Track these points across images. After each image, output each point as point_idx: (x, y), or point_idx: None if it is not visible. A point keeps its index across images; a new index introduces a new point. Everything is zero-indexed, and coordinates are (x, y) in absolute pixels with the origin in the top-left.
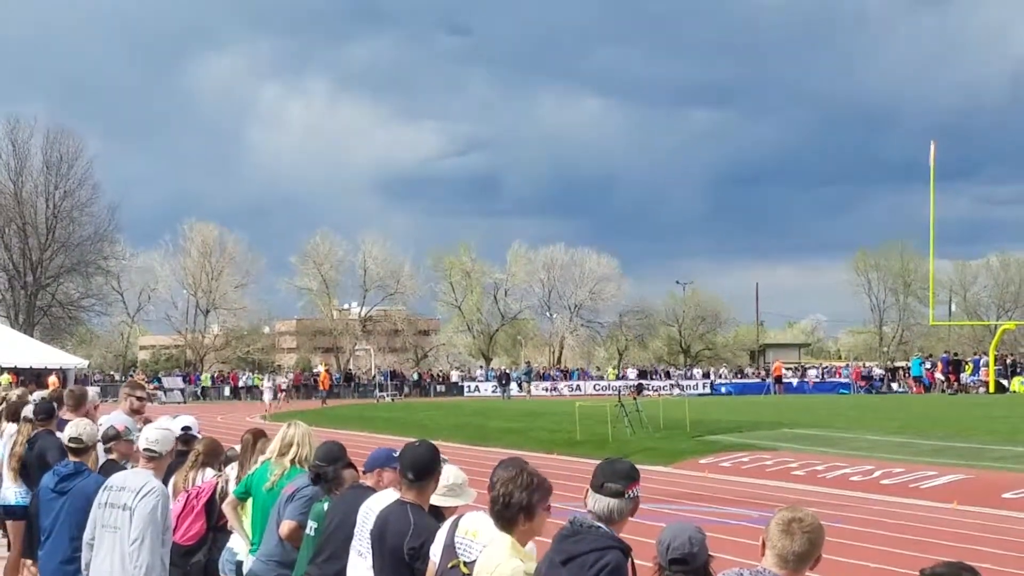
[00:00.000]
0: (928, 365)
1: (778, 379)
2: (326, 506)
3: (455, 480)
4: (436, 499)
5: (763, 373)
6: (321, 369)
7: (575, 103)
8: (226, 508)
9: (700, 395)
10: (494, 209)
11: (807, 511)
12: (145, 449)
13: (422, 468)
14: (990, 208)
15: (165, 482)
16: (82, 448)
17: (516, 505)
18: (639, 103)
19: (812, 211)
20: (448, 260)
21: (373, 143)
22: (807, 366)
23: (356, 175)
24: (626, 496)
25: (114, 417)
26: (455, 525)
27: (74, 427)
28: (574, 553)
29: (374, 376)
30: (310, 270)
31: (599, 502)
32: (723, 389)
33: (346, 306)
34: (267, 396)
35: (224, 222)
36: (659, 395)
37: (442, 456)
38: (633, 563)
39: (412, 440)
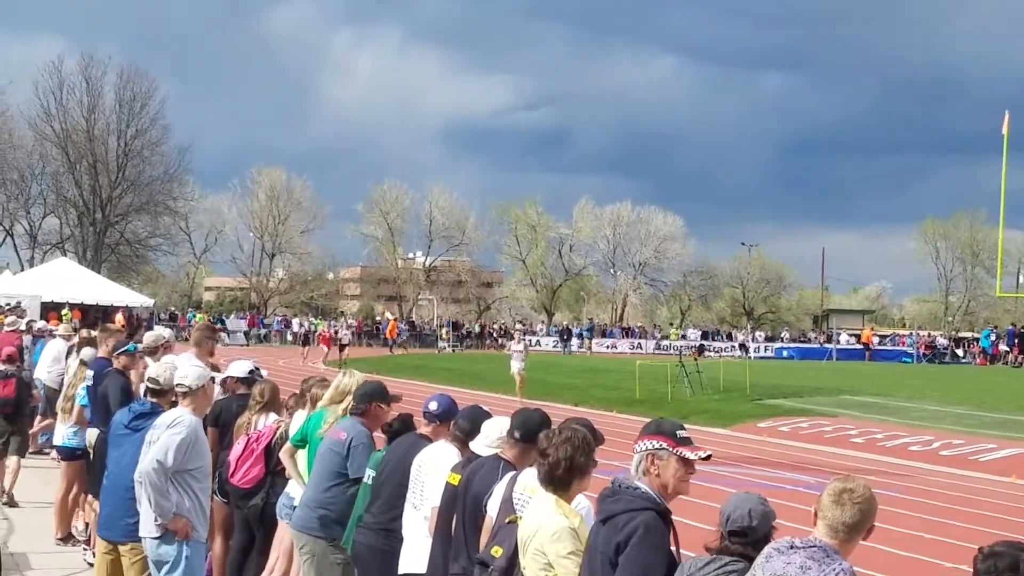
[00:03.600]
0: (994, 337)
1: (867, 346)
2: (382, 454)
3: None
4: (482, 448)
5: (825, 337)
6: (390, 317)
7: (647, 61)
8: (283, 455)
9: (761, 358)
10: (560, 165)
11: (859, 481)
12: (177, 385)
13: (528, 430)
14: None
15: (229, 425)
16: (159, 390)
17: (575, 469)
18: (710, 64)
19: (878, 180)
20: (514, 213)
21: (443, 94)
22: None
23: (424, 126)
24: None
25: (184, 359)
26: (513, 480)
27: (155, 368)
28: (611, 512)
29: (436, 326)
30: (376, 218)
31: (636, 461)
32: (785, 353)
33: (411, 255)
34: (345, 339)
35: (292, 168)
36: (720, 357)
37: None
38: (672, 525)
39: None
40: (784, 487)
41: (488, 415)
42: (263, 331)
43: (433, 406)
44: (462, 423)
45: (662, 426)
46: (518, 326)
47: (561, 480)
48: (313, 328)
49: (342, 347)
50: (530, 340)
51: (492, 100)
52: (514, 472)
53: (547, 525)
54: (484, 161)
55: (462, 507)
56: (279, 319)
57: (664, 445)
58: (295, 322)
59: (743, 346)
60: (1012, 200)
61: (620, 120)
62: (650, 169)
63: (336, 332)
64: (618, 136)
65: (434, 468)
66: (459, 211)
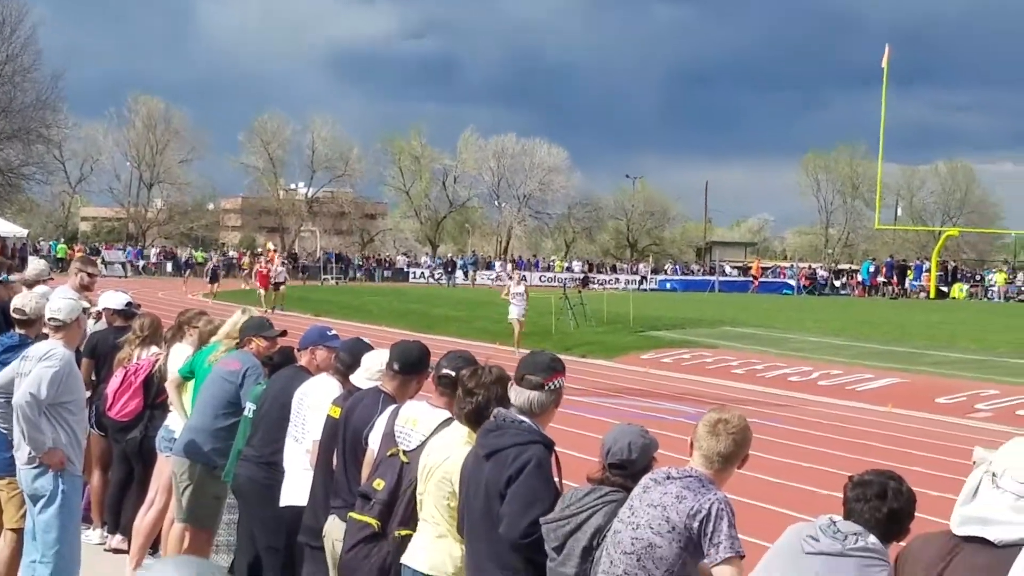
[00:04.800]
0: (873, 269)
1: (757, 279)
2: (262, 388)
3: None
4: (362, 381)
5: (708, 269)
6: (270, 248)
7: None
8: (169, 386)
9: (645, 290)
10: (447, 95)
11: (734, 412)
12: (49, 319)
13: (407, 362)
14: (942, 114)
15: (105, 357)
16: (26, 320)
17: (493, 407)
18: None
19: (766, 112)
20: (398, 144)
21: (327, 23)
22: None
23: (309, 55)
24: (546, 388)
25: (60, 292)
26: (395, 413)
27: (20, 299)
28: (497, 447)
29: (319, 258)
30: (257, 148)
31: (520, 395)
32: (668, 285)
33: (293, 186)
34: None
35: (172, 97)
36: (604, 289)
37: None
38: (557, 457)
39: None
40: (666, 418)
41: (369, 347)
42: (142, 262)
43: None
44: (343, 356)
45: (557, 363)
46: (512, 270)
47: (486, 419)
48: (193, 259)
49: (277, 286)
50: (413, 272)
51: (377, 28)
52: (396, 405)
53: (458, 455)
54: (369, 91)
55: (342, 440)
56: (156, 251)
57: (563, 382)
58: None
59: (643, 278)
60: (891, 134)
61: (508, 51)
62: (537, 101)
63: (269, 270)
64: (506, 67)
65: (315, 401)
66: (342, 142)
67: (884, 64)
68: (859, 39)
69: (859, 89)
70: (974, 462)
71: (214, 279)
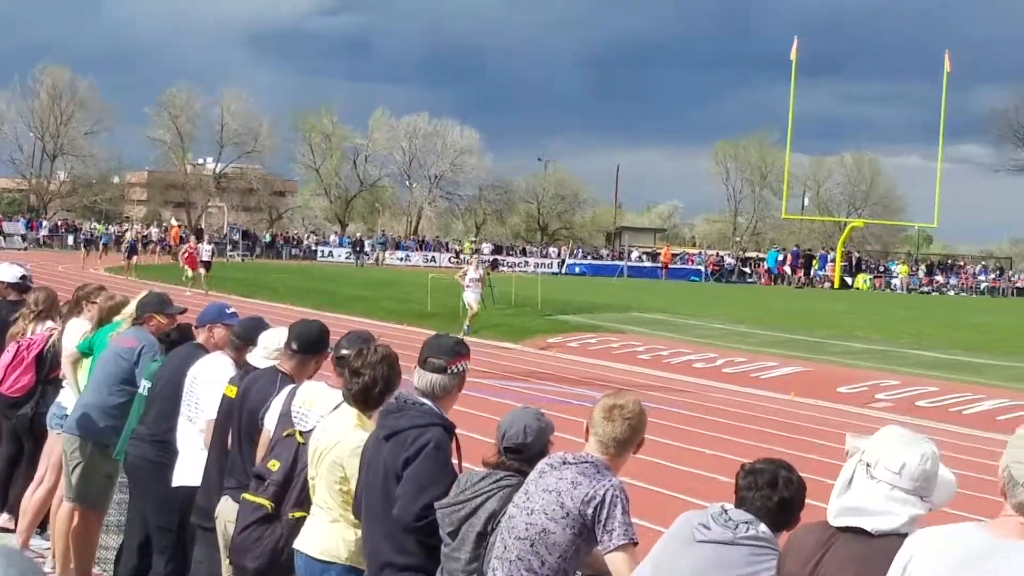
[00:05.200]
0: (781, 258)
1: (667, 265)
2: (157, 365)
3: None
4: (259, 361)
5: (617, 254)
6: (174, 223)
7: None
8: (65, 362)
9: (554, 274)
10: (361, 73)
11: (629, 396)
12: None
13: (306, 342)
14: (851, 106)
15: (2, 332)
16: None
17: (390, 388)
18: None
19: (679, 98)
20: (309, 121)
21: None
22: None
23: (221, 28)
24: (449, 372)
25: None
26: (292, 394)
27: None
28: (396, 428)
29: (226, 234)
30: (165, 121)
31: (422, 378)
32: (577, 269)
33: (200, 161)
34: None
35: (79, 68)
36: (513, 271)
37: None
38: (457, 440)
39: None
40: (571, 402)
41: (266, 326)
42: (41, 235)
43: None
44: (237, 333)
45: (461, 346)
46: (471, 255)
47: (376, 399)
48: (97, 234)
49: (207, 265)
50: (321, 251)
51: (292, 4)
52: (292, 385)
53: (349, 438)
54: (282, 67)
55: (238, 420)
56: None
57: (466, 365)
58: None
59: (563, 261)
60: (800, 125)
61: (422, 30)
62: (451, 81)
63: (198, 250)
64: (420, 47)
65: (207, 379)
66: (253, 117)
67: (793, 55)
68: (770, 29)
69: (770, 79)
70: (847, 451)
71: (132, 253)
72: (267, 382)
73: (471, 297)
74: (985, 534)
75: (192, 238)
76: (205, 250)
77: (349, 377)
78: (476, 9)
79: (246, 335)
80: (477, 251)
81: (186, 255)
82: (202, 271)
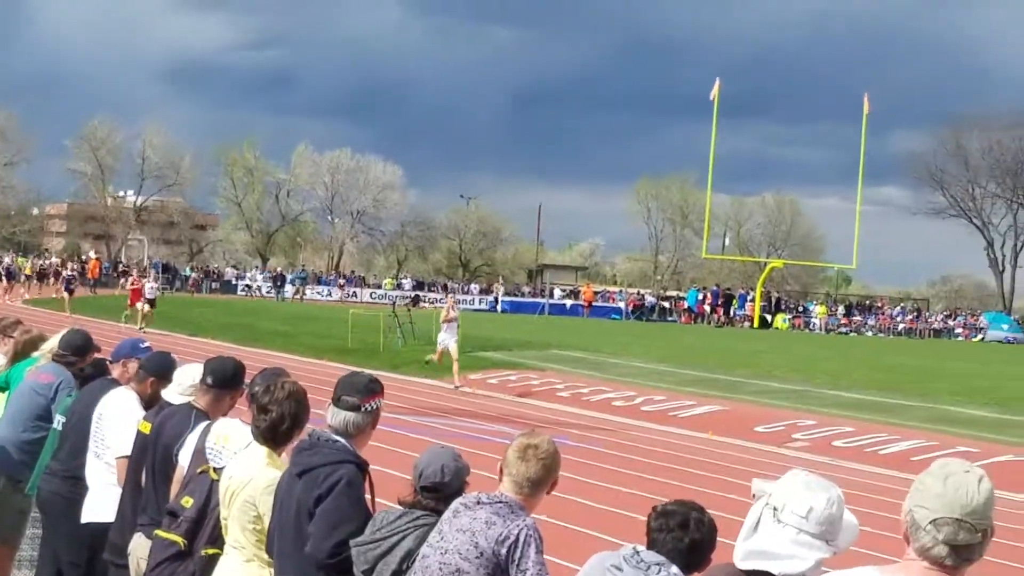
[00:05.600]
0: (701, 297)
1: (589, 303)
2: (71, 400)
3: (199, 379)
4: (174, 396)
5: (539, 292)
6: (92, 256)
7: (376, 6)
8: None
9: (476, 310)
10: (284, 108)
11: (543, 437)
12: None
13: (221, 378)
14: (771, 147)
15: None
16: None
17: (298, 426)
18: (440, 14)
19: (602, 136)
20: (231, 155)
21: (163, 29)
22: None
23: (143, 61)
24: (363, 410)
25: None
26: (207, 430)
27: None
28: (309, 466)
29: (146, 268)
30: (85, 153)
31: (336, 416)
32: (499, 306)
33: (121, 193)
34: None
35: None
36: (435, 308)
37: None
38: (370, 478)
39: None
40: (491, 439)
41: (173, 360)
42: None
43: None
44: (144, 365)
45: (375, 384)
46: (447, 294)
47: (283, 436)
48: (16, 267)
49: (151, 303)
50: (241, 285)
51: (214, 37)
52: (207, 421)
53: (261, 477)
54: (204, 100)
55: (152, 456)
56: None
57: (380, 403)
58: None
59: (496, 299)
60: (722, 165)
61: (345, 66)
62: (374, 117)
63: (142, 285)
64: (342, 82)
65: (111, 415)
66: (174, 150)
67: (713, 96)
68: (692, 70)
69: (692, 119)
70: (753, 495)
71: (70, 288)
72: (182, 418)
73: (446, 340)
74: None
75: (135, 273)
76: (150, 288)
77: (256, 414)
78: (399, 45)
79: (152, 369)
80: (452, 290)
81: (132, 291)
82: (146, 307)
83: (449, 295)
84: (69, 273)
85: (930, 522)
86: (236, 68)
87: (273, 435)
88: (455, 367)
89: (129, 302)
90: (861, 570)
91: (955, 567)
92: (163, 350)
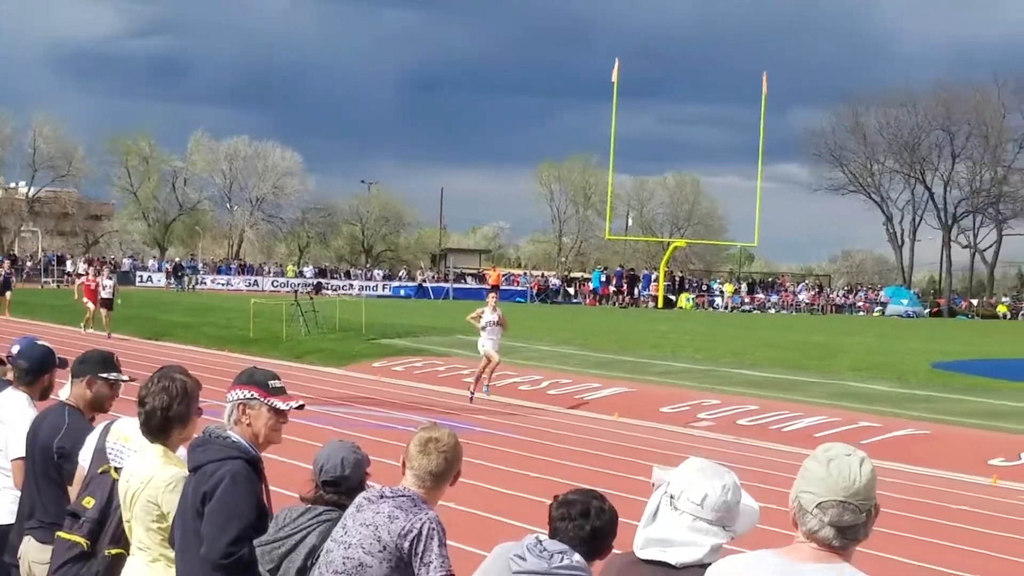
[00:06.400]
0: (604, 279)
1: (495, 287)
2: None
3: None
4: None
5: (443, 277)
6: None
7: None
8: None
9: (379, 296)
10: (177, 95)
11: (443, 430)
12: None
13: (31, 362)
14: (672, 127)
15: None
16: None
17: (173, 418)
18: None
19: (502, 120)
20: (125, 144)
21: (51, 17)
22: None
23: (31, 50)
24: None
25: None
26: (107, 430)
27: None
28: (198, 463)
29: (40, 260)
30: None
31: (226, 411)
32: (402, 292)
33: (13, 185)
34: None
35: None
36: (338, 295)
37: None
38: (263, 473)
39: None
40: (396, 427)
41: (44, 349)
42: None
43: (15, 349)
44: (21, 365)
45: (254, 376)
46: (488, 292)
47: (159, 429)
48: None
49: (107, 303)
50: (140, 276)
51: (104, 25)
52: (109, 421)
53: (160, 475)
54: (96, 89)
55: (31, 456)
56: None
57: (255, 395)
58: None
59: (420, 286)
60: (623, 146)
61: (239, 52)
62: (270, 103)
63: (96, 283)
64: (237, 68)
65: (3, 416)
66: (66, 140)
67: (614, 78)
68: (592, 51)
69: (593, 100)
70: (653, 484)
71: (6, 289)
72: (55, 416)
73: (488, 345)
74: (781, 559)
75: (90, 270)
76: (106, 285)
77: (137, 408)
78: (292, 29)
79: (31, 367)
80: (495, 287)
81: (84, 288)
82: (102, 310)
83: (491, 294)
84: (6, 272)
85: (816, 506)
86: (126, 56)
87: (148, 427)
88: (490, 366)
89: (90, 303)
90: (756, 553)
91: (842, 547)
92: (42, 343)
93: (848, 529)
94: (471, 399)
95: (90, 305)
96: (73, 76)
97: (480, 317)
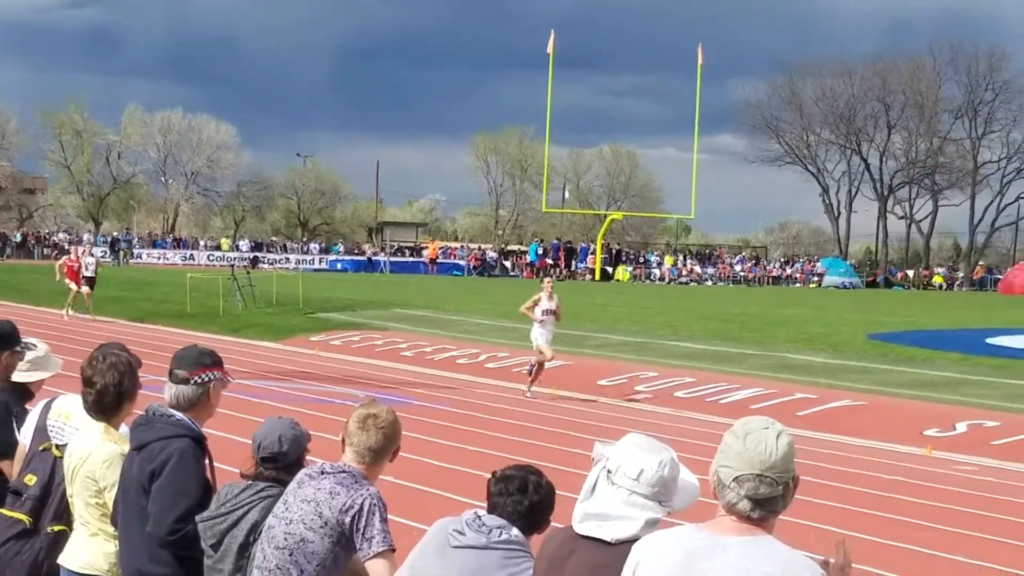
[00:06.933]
0: (541, 251)
1: (433, 260)
2: None
3: (38, 352)
4: (20, 375)
5: (379, 251)
6: None
7: None
8: None
9: (316, 270)
10: (110, 68)
11: (382, 407)
12: None
13: None
14: (608, 99)
15: None
16: None
17: (124, 393)
18: None
19: (438, 92)
20: (58, 117)
21: None
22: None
23: None
24: (192, 382)
25: None
26: (47, 407)
27: None
28: (143, 441)
29: (83, 238)
30: None
31: (169, 390)
32: (339, 266)
33: None
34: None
35: None
36: (275, 269)
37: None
38: (208, 450)
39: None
40: (334, 401)
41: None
42: None
43: None
44: None
45: (215, 355)
46: (543, 277)
47: (110, 407)
48: None
49: (90, 282)
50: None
51: None
52: (49, 399)
53: (99, 452)
54: (27, 62)
55: None
56: None
57: (219, 375)
58: None
59: (370, 260)
60: (559, 118)
61: (172, 23)
62: (204, 76)
63: (78, 262)
64: (170, 40)
65: None
66: None
67: (550, 49)
68: (527, 23)
69: (528, 72)
70: (593, 458)
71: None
72: None
73: (541, 338)
74: (704, 534)
75: (73, 248)
76: (88, 263)
77: (84, 387)
78: (225, 1)
79: None
80: (548, 273)
81: (66, 268)
82: (85, 289)
83: (546, 279)
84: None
85: (733, 479)
86: (58, 27)
87: (100, 407)
88: (544, 360)
89: (73, 283)
90: (681, 528)
91: (762, 519)
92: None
93: (766, 501)
94: (528, 393)
95: (72, 286)
96: (4, 47)
97: (535, 306)
